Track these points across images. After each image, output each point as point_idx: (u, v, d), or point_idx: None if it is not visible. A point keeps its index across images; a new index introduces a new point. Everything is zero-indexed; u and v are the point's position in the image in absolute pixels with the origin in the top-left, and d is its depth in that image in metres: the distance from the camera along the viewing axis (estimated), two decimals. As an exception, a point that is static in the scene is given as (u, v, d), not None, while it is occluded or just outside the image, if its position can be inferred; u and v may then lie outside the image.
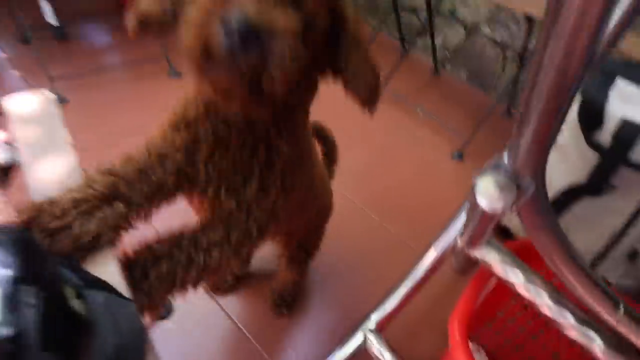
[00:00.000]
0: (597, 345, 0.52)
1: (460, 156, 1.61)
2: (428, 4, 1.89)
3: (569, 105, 0.39)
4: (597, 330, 0.53)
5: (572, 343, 0.54)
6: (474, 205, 0.45)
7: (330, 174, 1.01)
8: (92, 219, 0.38)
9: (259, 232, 0.50)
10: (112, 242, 0.40)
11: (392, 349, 0.78)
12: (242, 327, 0.98)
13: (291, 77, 0.37)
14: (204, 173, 0.49)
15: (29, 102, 0.47)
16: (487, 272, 0.63)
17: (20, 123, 0.45)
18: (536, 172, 0.44)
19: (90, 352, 0.25)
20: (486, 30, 1.99)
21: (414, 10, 2.23)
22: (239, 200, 0.49)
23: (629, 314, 0.51)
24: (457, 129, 1.71)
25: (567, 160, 1.09)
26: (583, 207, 1.08)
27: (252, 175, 0.49)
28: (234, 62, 0.35)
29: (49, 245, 0.35)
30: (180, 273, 0.44)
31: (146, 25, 0.45)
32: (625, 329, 0.49)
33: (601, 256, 1.10)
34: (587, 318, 0.54)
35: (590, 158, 1.02)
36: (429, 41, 2.07)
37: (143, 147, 0.48)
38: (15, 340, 0.21)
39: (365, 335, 0.80)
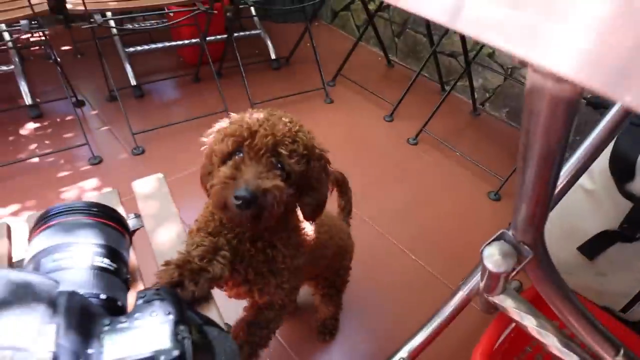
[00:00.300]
0: (601, 384, 0.60)
1: (497, 196, 1.68)
2: (464, 50, 2.01)
3: (553, 190, 0.50)
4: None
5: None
6: (484, 267, 0.56)
7: (346, 219, 1.14)
8: (215, 265, 0.57)
9: (295, 296, 0.77)
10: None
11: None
12: (288, 348, 1.14)
13: (279, 213, 0.57)
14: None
15: (148, 184, 0.65)
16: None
17: (143, 199, 0.63)
18: (535, 242, 0.54)
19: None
20: (525, 72, 2.07)
21: (452, 55, 2.35)
22: (270, 295, 0.70)
23: (628, 357, 0.59)
24: (494, 168, 1.79)
25: (600, 207, 1.14)
26: (617, 252, 1.13)
27: (268, 274, 0.68)
28: (241, 214, 0.55)
29: (196, 290, 0.53)
30: (255, 347, 0.69)
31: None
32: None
33: (636, 298, 1.12)
34: (592, 360, 0.62)
35: (623, 206, 1.07)
36: (467, 82, 2.17)
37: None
38: (179, 358, 0.35)
39: (398, 364, 0.91)
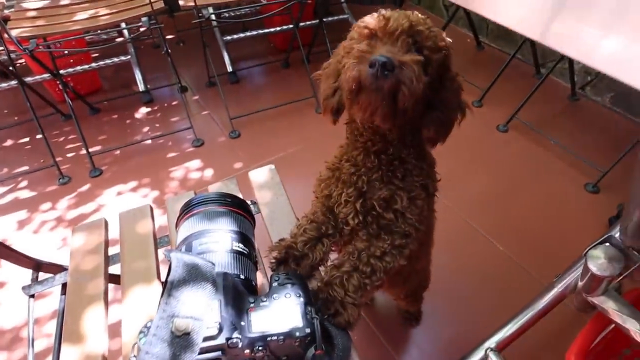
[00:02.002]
0: None
1: (595, 188, 1.56)
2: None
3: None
4: None
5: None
6: (587, 268, 0.56)
7: None
8: (316, 250, 0.62)
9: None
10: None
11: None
12: (374, 327, 1.21)
13: (416, 95, 0.50)
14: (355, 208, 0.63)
15: (262, 174, 0.73)
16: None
17: (258, 188, 0.72)
18: (645, 248, 0.53)
19: (334, 346, 0.47)
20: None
21: (552, 33, 2.17)
22: (394, 211, 0.62)
23: None
24: (593, 159, 1.66)
25: None
26: None
27: (396, 188, 0.62)
28: (377, 85, 0.49)
29: (298, 269, 0.59)
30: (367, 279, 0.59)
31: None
32: None
33: None
34: None
35: None
36: (566, 65, 2.00)
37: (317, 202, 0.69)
38: (310, 335, 0.42)
39: (486, 352, 0.92)
